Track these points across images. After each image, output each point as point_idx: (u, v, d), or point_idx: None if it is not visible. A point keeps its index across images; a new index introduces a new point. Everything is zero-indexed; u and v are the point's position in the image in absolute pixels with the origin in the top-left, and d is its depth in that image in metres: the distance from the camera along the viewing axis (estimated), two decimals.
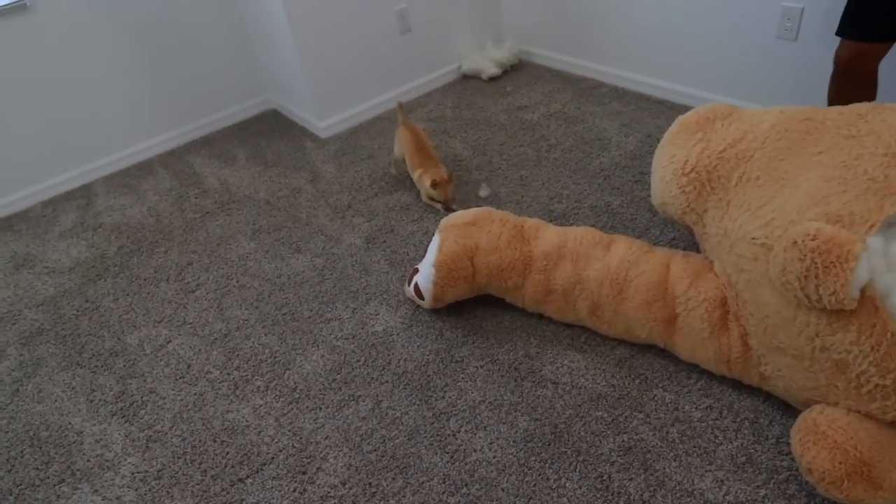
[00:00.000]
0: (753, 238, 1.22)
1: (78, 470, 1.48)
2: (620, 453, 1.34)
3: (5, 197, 2.55)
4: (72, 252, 2.27)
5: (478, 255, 1.61)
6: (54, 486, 1.45)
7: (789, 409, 1.36)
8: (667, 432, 1.36)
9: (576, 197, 2.13)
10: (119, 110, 2.70)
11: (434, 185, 2.06)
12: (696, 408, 1.40)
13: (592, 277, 1.51)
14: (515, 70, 3.10)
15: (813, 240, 1.05)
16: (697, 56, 2.43)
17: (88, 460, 1.50)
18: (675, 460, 1.31)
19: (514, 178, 2.29)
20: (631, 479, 1.29)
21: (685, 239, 1.85)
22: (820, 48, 2.04)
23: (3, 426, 1.62)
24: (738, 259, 1.26)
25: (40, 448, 1.55)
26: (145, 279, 2.07)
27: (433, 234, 1.73)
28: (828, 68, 1.92)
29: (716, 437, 1.34)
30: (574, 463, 1.33)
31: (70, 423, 1.60)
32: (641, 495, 1.26)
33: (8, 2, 2.29)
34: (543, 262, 1.58)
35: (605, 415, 1.41)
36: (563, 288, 1.55)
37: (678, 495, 1.25)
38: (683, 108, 2.53)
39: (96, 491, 1.42)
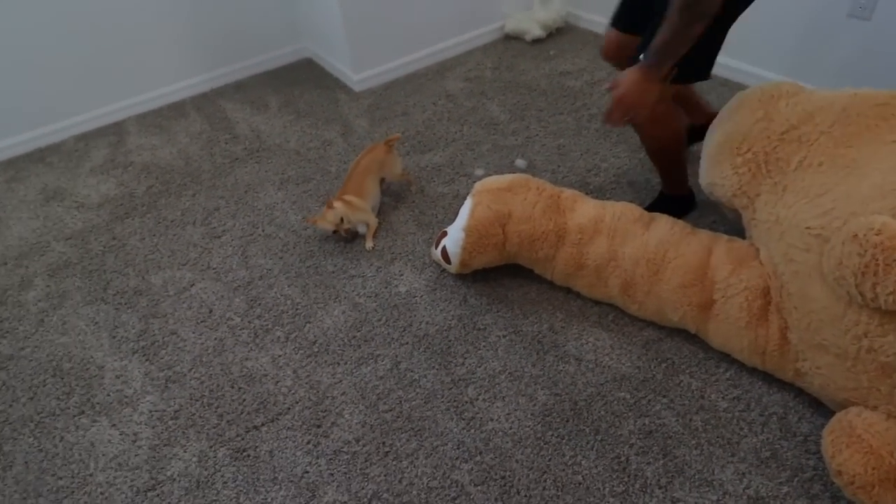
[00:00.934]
0: (808, 227, 1.14)
1: (97, 403, 1.50)
2: (640, 436, 1.30)
3: (39, 129, 2.55)
4: (101, 188, 2.27)
5: (510, 223, 1.56)
6: (74, 416, 1.47)
7: (820, 408, 1.30)
8: (690, 419, 1.32)
9: (614, 171, 2.05)
10: (155, 49, 2.66)
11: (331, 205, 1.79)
12: (723, 398, 1.35)
13: (628, 255, 1.45)
14: (561, 33, 2.96)
15: (877, 234, 0.98)
16: (759, 31, 2.28)
17: (108, 395, 1.51)
18: (696, 448, 1.27)
19: (552, 146, 2.21)
20: (649, 464, 1.26)
21: (726, 223, 1.77)
22: (895, 28, 1.89)
23: (28, 354, 1.65)
24: (789, 248, 1.19)
25: (62, 379, 1.57)
26: (172, 221, 2.06)
27: (464, 198, 1.68)
28: None
29: (741, 428, 1.30)
30: (592, 442, 1.30)
31: (92, 357, 1.62)
32: (659, 480, 1.23)
33: None
34: (578, 235, 1.52)
35: (628, 396, 1.38)
36: (597, 264, 1.50)
37: (697, 484, 1.22)
38: (735, 85, 2.41)
39: (114, 425, 1.44)
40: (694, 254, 1.38)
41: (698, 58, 1.35)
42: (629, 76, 1.31)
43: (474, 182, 1.71)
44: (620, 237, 1.48)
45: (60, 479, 1.34)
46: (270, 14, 2.86)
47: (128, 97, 2.69)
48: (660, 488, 1.22)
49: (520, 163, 2.13)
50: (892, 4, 1.88)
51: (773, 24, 2.23)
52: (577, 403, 1.37)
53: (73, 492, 1.31)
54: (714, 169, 1.38)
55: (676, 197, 1.78)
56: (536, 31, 2.88)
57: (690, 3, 1.17)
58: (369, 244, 1.86)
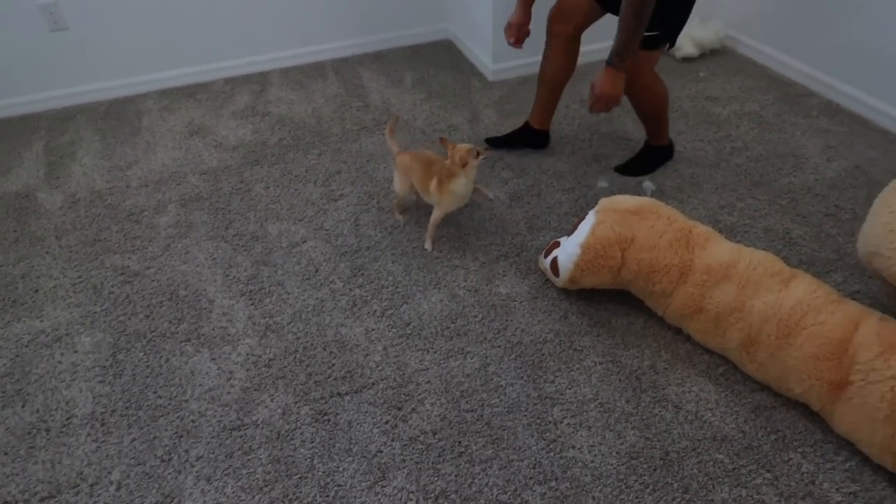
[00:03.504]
0: None
1: (203, 335, 1.59)
2: None
3: (195, 66, 2.74)
4: (239, 132, 2.40)
5: (632, 248, 1.48)
6: (181, 342, 1.57)
7: None
8: None
9: (750, 213, 1.90)
10: (307, 9, 2.76)
11: (464, 157, 1.64)
12: (838, 490, 1.21)
13: (758, 310, 1.33)
14: (715, 55, 2.77)
15: None
16: None
17: (213, 329, 1.61)
18: None
19: (685, 173, 2.07)
20: None
21: (872, 296, 1.58)
22: None
23: (151, 275, 1.78)
24: None
25: (177, 304, 1.68)
26: (296, 176, 2.15)
27: (582, 209, 1.62)
28: None
29: None
30: (678, 499, 1.21)
31: (205, 290, 1.72)
32: None
33: None
34: (704, 276, 1.41)
35: (727, 460, 1.27)
36: (718, 310, 1.39)
37: None
38: None
39: (214, 359, 1.52)
40: (838, 325, 1.24)
41: (666, 32, 1.72)
42: (603, 77, 1.63)
43: (596, 193, 1.64)
44: (752, 288, 1.35)
45: (160, 398, 1.44)
46: None
47: (276, 51, 2.83)
48: None
49: (647, 185, 2.02)
50: None
51: None
52: (669, 454, 1.28)
53: (168, 412, 1.41)
54: (883, 237, 1.22)
55: (659, 147, 2.09)
56: (689, 49, 2.71)
57: (638, 12, 1.52)
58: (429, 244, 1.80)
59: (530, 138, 2.20)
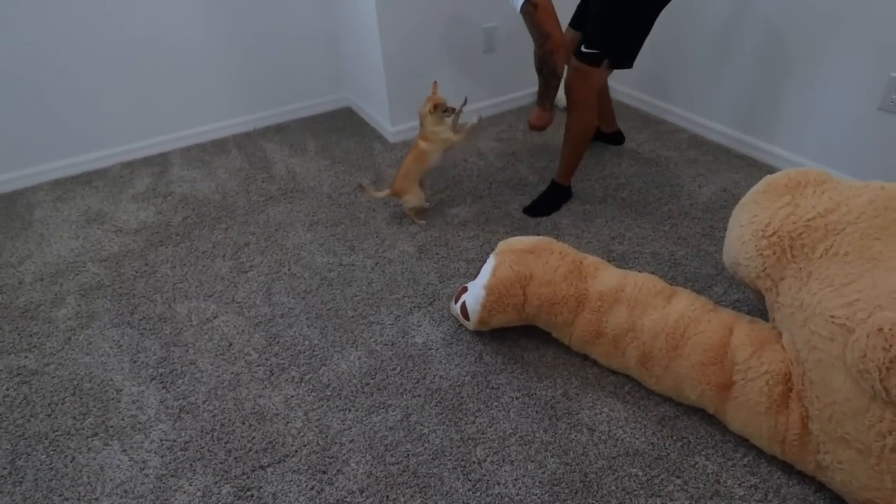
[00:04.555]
0: (833, 316, 1.14)
1: (111, 427, 1.52)
2: None
3: (90, 153, 2.69)
4: (140, 215, 2.36)
5: (531, 285, 1.58)
6: (87, 438, 1.49)
7: None
8: None
9: (638, 241, 2.07)
10: (206, 88, 2.81)
11: (435, 106, 2.07)
12: (740, 484, 1.31)
13: (647, 327, 1.45)
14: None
15: None
16: (789, 116, 2.33)
17: (122, 419, 1.53)
18: None
19: (578, 211, 2.24)
20: None
21: (750, 302, 1.76)
22: None
23: (51, 371, 1.69)
24: (812, 336, 1.18)
25: (81, 399, 1.60)
26: (203, 252, 2.13)
27: (488, 254, 1.71)
28: None
29: None
30: None
31: (112, 380, 1.65)
32: None
33: None
34: (598, 302, 1.52)
35: (640, 473, 1.35)
36: (615, 333, 1.50)
37: None
38: (765, 167, 2.43)
39: (125, 451, 1.45)
40: (714, 332, 1.37)
41: (622, 50, 1.95)
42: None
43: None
44: (640, 308, 1.48)
45: (67, 500, 1.35)
46: (317, 64, 3.02)
47: (175, 131, 2.83)
48: None
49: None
50: None
51: (803, 108, 2.27)
52: (588, 475, 1.34)
53: None
54: (739, 249, 1.39)
55: (564, 187, 2.28)
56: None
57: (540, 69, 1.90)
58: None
59: (602, 138, 2.60)
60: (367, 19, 2.55)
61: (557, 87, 1.99)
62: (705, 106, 2.66)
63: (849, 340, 1.07)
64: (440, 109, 2.09)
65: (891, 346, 0.98)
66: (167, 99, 2.74)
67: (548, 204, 2.26)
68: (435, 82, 2.18)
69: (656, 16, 1.92)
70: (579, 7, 2.19)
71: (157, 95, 2.71)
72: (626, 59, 1.99)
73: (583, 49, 1.95)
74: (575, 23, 2.19)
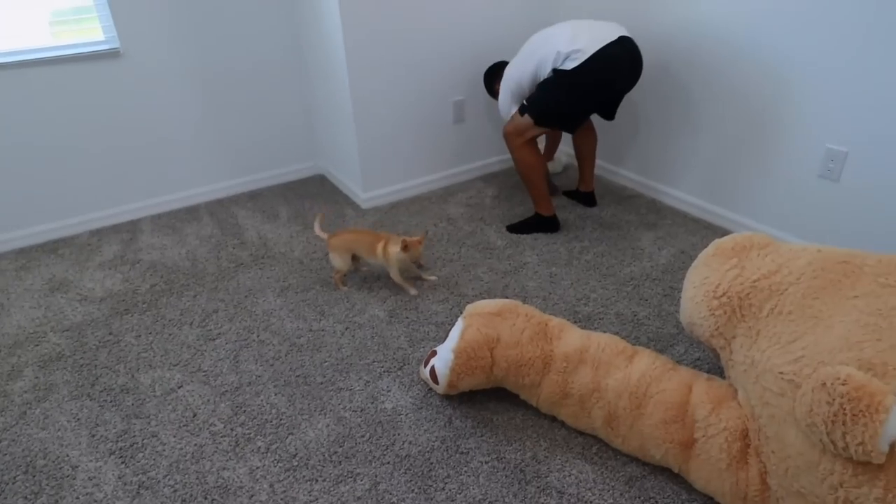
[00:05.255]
0: (781, 372, 1.19)
1: None
2: None
3: (58, 221, 2.68)
4: (106, 283, 2.34)
5: (498, 347, 1.61)
6: None
7: None
8: None
9: (603, 302, 2.13)
10: (180, 155, 2.86)
11: (405, 247, 2.07)
12: None
13: (611, 387, 1.48)
14: (565, 170, 3.22)
15: (843, 384, 1.02)
16: (741, 183, 2.48)
17: (77, 498, 1.47)
18: None
19: (544, 274, 2.31)
20: None
21: (710, 360, 1.81)
22: (861, 191, 2.07)
23: (3, 448, 1.62)
24: (764, 392, 1.23)
25: (33, 477, 1.53)
26: (170, 320, 2.11)
27: (457, 317, 1.74)
28: (869, 211, 1.94)
29: None
30: None
31: (68, 456, 1.59)
32: None
33: (103, 48, 2.51)
34: (563, 363, 1.56)
35: None
36: (581, 393, 1.52)
37: None
38: (719, 230, 2.56)
39: None
40: (675, 390, 1.41)
41: (529, 106, 2.38)
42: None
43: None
44: (604, 368, 1.52)
45: None
46: (290, 133, 3.12)
47: (147, 198, 2.86)
48: None
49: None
50: (857, 169, 2.07)
51: (751, 175, 2.43)
52: None
53: None
54: (693, 309, 1.45)
55: (541, 216, 2.59)
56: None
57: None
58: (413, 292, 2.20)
59: (577, 197, 2.87)
60: (341, 90, 2.68)
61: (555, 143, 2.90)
62: (663, 173, 2.82)
63: (797, 395, 1.12)
64: (411, 260, 2.14)
65: (834, 399, 1.03)
66: (139, 166, 2.78)
67: (525, 226, 2.60)
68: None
69: (586, 100, 2.37)
70: None
71: (129, 163, 2.75)
72: (546, 119, 2.38)
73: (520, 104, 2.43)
74: None
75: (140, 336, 2.03)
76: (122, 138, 2.69)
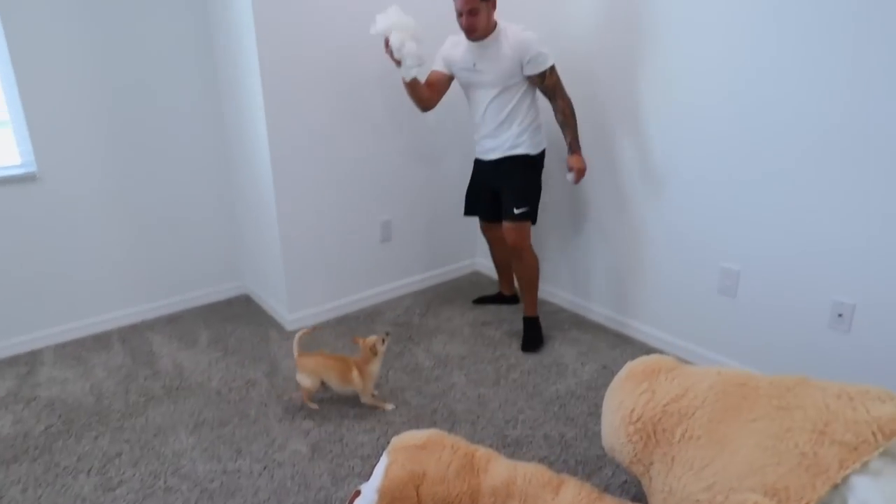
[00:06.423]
0: (697, 501, 1.22)
1: None
2: None
3: None
4: None
5: (424, 484, 1.55)
6: None
7: None
8: None
9: (531, 423, 2.13)
10: (93, 278, 2.72)
11: (374, 347, 2.13)
12: None
13: None
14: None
15: None
16: (652, 297, 2.64)
17: None
18: None
19: (472, 395, 2.30)
20: None
21: (636, 483, 1.82)
22: (756, 307, 2.25)
23: None
24: None
25: None
26: (64, 468, 1.90)
27: (383, 449, 1.68)
28: (761, 328, 2.10)
29: None
30: None
31: None
32: None
33: (19, 172, 2.44)
34: (491, 498, 1.51)
35: None
36: None
37: None
38: (637, 343, 2.68)
39: None
40: None
41: (532, 209, 2.55)
42: (578, 158, 2.41)
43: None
44: (531, 501, 1.48)
45: None
46: (214, 252, 3.07)
47: (50, 326, 2.66)
48: None
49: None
50: (752, 284, 2.26)
51: (666, 293, 2.60)
52: None
53: None
54: (612, 435, 1.48)
55: (534, 317, 2.71)
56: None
57: (573, 109, 2.43)
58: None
59: (504, 300, 3.07)
60: (268, 211, 2.70)
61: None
62: (581, 287, 2.96)
63: None
64: (379, 344, 2.16)
65: None
66: (45, 292, 2.62)
67: (536, 334, 2.69)
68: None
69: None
70: (471, 197, 2.80)
71: (28, 286, 2.57)
72: (536, 214, 2.59)
73: (515, 211, 2.49)
74: (472, 210, 2.83)
75: (27, 490, 1.81)
76: (26, 264, 2.55)
